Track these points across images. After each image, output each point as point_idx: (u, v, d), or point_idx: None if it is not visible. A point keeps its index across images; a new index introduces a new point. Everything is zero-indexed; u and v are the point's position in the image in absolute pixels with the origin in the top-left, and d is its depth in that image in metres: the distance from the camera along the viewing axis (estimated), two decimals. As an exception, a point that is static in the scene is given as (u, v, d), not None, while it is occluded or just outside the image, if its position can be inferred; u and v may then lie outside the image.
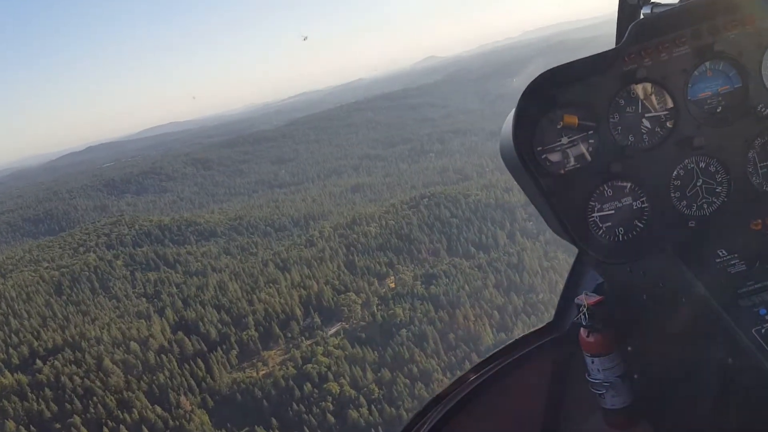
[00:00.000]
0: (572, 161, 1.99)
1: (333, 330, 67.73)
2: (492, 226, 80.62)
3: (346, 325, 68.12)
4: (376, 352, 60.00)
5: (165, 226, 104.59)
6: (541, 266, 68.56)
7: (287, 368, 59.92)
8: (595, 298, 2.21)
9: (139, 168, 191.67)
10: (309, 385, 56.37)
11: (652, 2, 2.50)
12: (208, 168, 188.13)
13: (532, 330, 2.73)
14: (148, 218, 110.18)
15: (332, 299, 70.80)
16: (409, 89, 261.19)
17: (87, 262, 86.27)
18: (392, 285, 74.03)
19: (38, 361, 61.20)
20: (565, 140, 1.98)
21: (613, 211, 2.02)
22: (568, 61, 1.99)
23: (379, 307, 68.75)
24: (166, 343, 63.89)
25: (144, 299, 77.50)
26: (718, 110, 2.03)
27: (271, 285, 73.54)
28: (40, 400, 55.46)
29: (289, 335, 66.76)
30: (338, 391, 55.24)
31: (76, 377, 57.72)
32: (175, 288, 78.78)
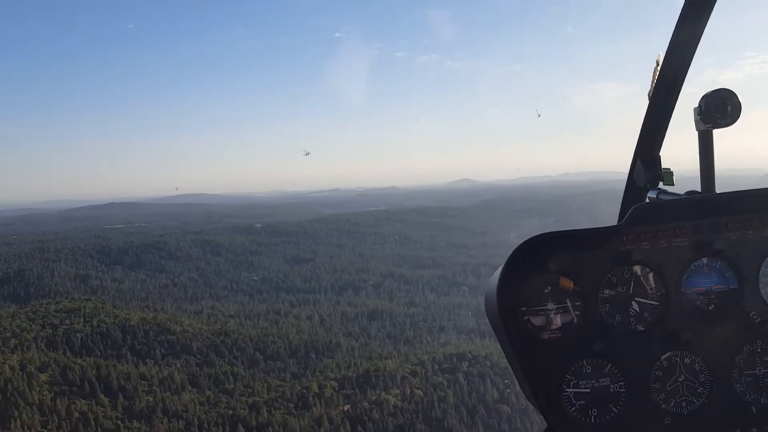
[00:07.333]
0: (555, 329, 1.91)
1: None
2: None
3: None
4: None
5: (130, 328, 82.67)
6: None
7: None
8: None
9: (143, 238, 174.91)
10: None
11: (659, 188, 2.48)
12: (217, 253, 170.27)
13: None
14: (113, 312, 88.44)
15: None
16: (446, 208, 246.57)
17: (1, 369, 63.80)
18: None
19: None
20: (551, 305, 1.91)
21: (588, 390, 1.93)
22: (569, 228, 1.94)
23: None
24: None
25: (49, 449, 54.22)
26: (710, 308, 1.99)
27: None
28: None
29: None
30: None
31: None
32: (100, 438, 55.54)
